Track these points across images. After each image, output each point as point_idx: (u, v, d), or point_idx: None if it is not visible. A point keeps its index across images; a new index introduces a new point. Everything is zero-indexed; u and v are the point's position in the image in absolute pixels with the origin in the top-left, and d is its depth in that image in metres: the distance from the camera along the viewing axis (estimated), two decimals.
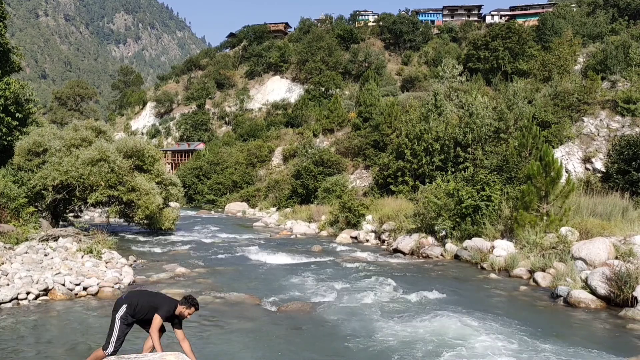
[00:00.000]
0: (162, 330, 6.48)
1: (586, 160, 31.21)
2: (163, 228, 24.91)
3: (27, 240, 15.43)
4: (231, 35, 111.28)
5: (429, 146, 33.10)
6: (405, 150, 34.15)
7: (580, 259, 13.14)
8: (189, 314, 6.49)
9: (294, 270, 15.17)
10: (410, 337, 8.64)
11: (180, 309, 6.42)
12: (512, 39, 60.70)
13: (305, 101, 72.58)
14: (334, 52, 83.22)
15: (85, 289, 11.51)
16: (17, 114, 23.13)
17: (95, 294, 11.49)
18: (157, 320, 6.25)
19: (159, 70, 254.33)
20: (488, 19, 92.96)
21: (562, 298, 11.48)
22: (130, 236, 23.44)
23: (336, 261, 17.19)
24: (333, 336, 8.91)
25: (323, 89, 76.03)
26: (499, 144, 29.56)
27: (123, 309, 6.35)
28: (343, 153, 45.93)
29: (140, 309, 6.39)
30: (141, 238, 22.99)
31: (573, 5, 75.44)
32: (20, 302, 10.39)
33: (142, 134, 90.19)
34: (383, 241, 22.48)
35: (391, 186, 34.36)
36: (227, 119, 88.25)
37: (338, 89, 73.80)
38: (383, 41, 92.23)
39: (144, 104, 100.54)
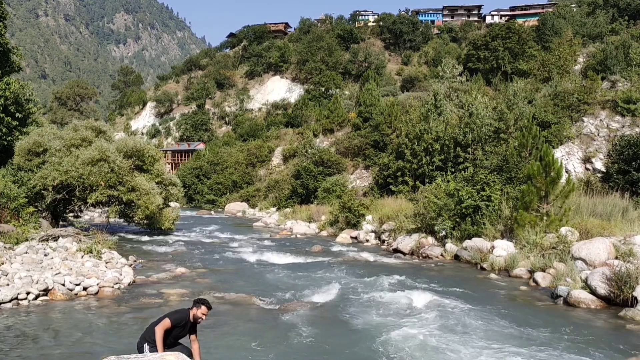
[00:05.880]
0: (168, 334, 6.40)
1: (586, 160, 31.19)
2: (163, 228, 24.90)
3: (27, 240, 15.42)
4: (231, 35, 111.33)
5: (429, 146, 33.08)
6: (405, 150, 34.14)
7: (580, 259, 13.13)
8: (202, 314, 6.47)
9: (293, 270, 15.16)
10: (410, 337, 8.63)
11: (192, 312, 6.47)
12: (512, 39, 60.71)
13: (305, 101, 72.59)
14: (334, 52, 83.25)
15: (85, 289, 11.50)
16: (17, 114, 23.13)
17: (95, 294, 11.48)
18: (165, 321, 6.25)
19: (159, 70, 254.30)
20: (488, 19, 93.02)
21: (562, 298, 11.48)
22: (130, 236, 23.42)
23: (336, 261, 17.18)
24: (332, 336, 8.90)
25: (323, 89, 76.06)
26: (499, 144, 29.53)
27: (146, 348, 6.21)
28: (343, 153, 45.93)
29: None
30: (141, 238, 22.98)
31: (573, 5, 75.47)
32: (20, 302, 10.38)
33: (142, 134, 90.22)
34: (383, 241, 22.47)
35: (391, 186, 34.35)
36: (227, 119, 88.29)
37: (338, 89, 73.83)
38: (383, 41, 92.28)
39: (144, 104, 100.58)
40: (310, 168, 42.16)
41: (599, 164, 30.34)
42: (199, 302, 6.50)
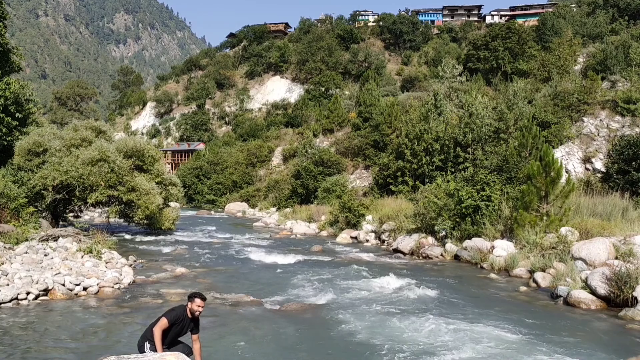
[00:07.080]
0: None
1: (586, 160, 31.20)
2: (163, 228, 24.91)
3: (27, 240, 15.43)
4: (231, 35, 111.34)
5: (429, 146, 33.09)
6: (405, 150, 34.14)
7: (580, 259, 13.13)
8: (198, 306, 6.45)
9: (294, 270, 15.17)
10: (410, 338, 8.64)
11: (188, 307, 6.47)
12: (512, 39, 60.69)
13: (305, 101, 72.61)
14: (334, 52, 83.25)
15: (85, 289, 11.50)
16: (17, 114, 23.13)
17: (95, 294, 11.49)
18: (162, 321, 6.26)
19: (159, 70, 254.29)
20: (488, 19, 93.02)
21: (562, 298, 11.47)
22: (130, 236, 23.43)
23: (336, 261, 17.19)
24: (333, 336, 8.91)
25: (323, 89, 76.04)
26: (499, 144, 29.55)
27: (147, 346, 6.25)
28: (343, 153, 45.94)
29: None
30: (141, 238, 22.98)
31: (573, 5, 75.47)
32: (20, 302, 10.38)
33: (142, 134, 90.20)
34: (383, 241, 22.47)
35: (391, 186, 34.35)
36: (227, 119, 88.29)
37: (338, 89, 73.83)
38: (383, 41, 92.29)
39: (144, 104, 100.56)
40: (310, 168, 42.17)
41: (599, 164, 30.35)
42: (192, 296, 6.53)
